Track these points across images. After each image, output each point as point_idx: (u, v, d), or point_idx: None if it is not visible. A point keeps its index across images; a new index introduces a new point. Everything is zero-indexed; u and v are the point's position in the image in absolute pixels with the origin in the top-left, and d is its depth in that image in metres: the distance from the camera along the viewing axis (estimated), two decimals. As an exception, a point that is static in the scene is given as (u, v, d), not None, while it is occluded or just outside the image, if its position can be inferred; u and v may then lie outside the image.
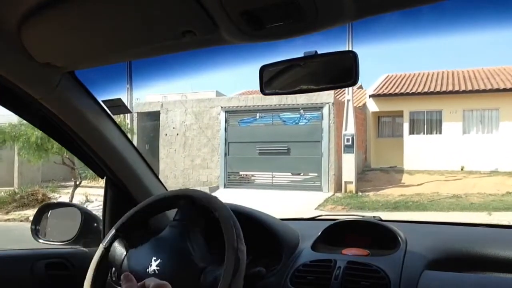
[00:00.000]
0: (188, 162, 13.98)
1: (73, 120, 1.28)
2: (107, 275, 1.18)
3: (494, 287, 1.17)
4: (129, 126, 13.32)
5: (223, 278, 0.96)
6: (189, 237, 1.09)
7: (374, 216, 1.54)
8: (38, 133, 10.38)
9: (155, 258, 1.06)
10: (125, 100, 13.89)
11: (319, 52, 0.97)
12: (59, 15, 0.83)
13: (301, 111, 12.76)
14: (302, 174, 13.38)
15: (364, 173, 13.76)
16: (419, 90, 14.67)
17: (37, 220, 1.61)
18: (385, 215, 8.83)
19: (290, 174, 13.37)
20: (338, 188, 12.20)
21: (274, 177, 13.08)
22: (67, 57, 1.05)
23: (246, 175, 13.86)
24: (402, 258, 1.24)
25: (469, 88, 14.03)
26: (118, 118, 13.57)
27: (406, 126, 14.86)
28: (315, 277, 1.23)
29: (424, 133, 14.71)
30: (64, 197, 12.57)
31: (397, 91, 14.97)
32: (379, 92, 15.11)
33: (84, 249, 1.58)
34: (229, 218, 1.03)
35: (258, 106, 12.93)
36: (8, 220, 10.63)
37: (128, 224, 1.17)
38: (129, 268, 1.10)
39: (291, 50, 1.02)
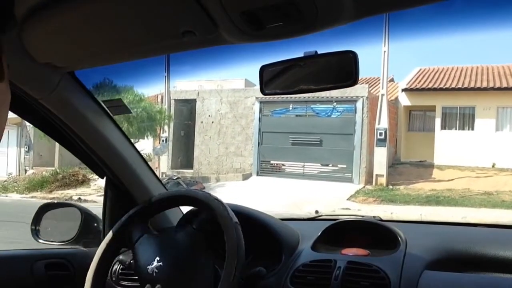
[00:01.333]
0: (222, 150, 14.20)
1: (73, 120, 1.26)
2: (107, 275, 1.19)
3: (494, 287, 1.17)
4: (166, 113, 13.60)
5: (222, 280, 0.98)
6: (196, 245, 1.10)
7: (374, 216, 1.53)
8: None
9: (158, 258, 1.06)
10: (162, 88, 14.32)
11: (319, 52, 0.96)
12: (59, 15, 0.83)
13: (334, 103, 12.79)
14: (330, 165, 13.46)
15: (394, 166, 13.65)
16: (452, 86, 14.35)
17: (37, 220, 1.58)
18: (417, 209, 9.08)
19: (319, 165, 13.48)
20: (368, 180, 12.28)
21: (305, 167, 13.27)
22: (67, 57, 1.04)
23: (277, 164, 14.01)
24: (402, 258, 1.23)
25: (504, 85, 13.72)
26: (157, 104, 14.00)
27: (438, 121, 14.64)
28: (315, 277, 1.22)
29: (456, 129, 14.46)
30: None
31: (430, 85, 14.70)
32: (411, 86, 14.86)
33: (84, 249, 1.56)
34: (231, 220, 1.03)
35: (292, 97, 12.85)
36: (53, 198, 11.23)
37: (128, 223, 1.18)
38: (131, 266, 1.13)
39: (291, 50, 1.01)
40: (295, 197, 10.49)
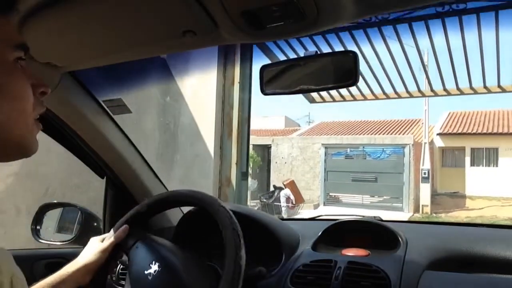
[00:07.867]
0: (294, 185, 14.77)
1: (73, 120, 1.18)
2: (107, 276, 1.07)
3: (494, 287, 1.04)
4: (255, 157, 14.85)
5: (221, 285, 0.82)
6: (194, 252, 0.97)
7: (374, 216, 1.41)
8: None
9: (155, 262, 0.96)
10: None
11: (319, 52, 0.90)
12: (59, 15, 0.76)
13: (384, 148, 14.23)
14: (376, 196, 14.66)
15: (433, 197, 14.50)
16: (479, 131, 15.38)
17: (37, 220, 1.50)
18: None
19: (369, 196, 14.69)
20: (415, 209, 13.25)
21: (363, 199, 14.53)
22: (67, 57, 0.97)
23: (335, 196, 15.25)
24: (402, 258, 1.11)
25: (522, 130, 14.01)
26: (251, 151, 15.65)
27: (467, 160, 15.63)
28: (315, 277, 1.11)
29: (483, 166, 15.52)
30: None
31: (459, 130, 15.73)
32: (444, 131, 16.06)
33: None
34: (230, 223, 0.91)
35: (351, 144, 14.53)
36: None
37: (130, 222, 1.05)
38: (129, 267, 0.99)
39: (291, 50, 0.74)
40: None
